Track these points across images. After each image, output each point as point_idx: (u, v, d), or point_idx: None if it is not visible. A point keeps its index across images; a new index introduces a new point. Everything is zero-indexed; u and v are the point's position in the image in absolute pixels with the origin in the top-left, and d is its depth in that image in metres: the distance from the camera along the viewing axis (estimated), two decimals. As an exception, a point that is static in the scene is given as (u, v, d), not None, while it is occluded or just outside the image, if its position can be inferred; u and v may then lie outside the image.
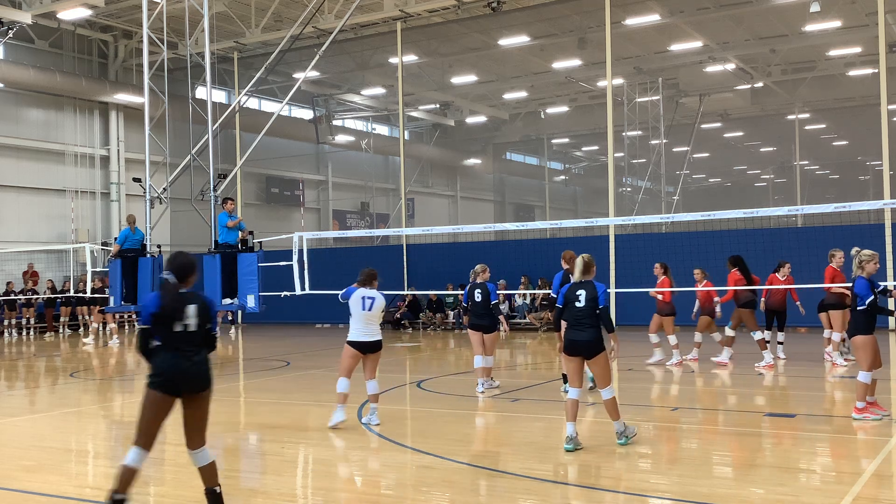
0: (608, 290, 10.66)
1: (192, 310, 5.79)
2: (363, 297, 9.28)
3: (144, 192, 16.78)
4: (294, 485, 7.47)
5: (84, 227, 29.99)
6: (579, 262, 8.38)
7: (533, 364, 17.03)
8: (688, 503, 6.43)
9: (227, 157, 27.27)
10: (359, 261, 25.73)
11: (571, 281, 8.55)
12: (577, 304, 8.21)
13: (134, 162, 30.94)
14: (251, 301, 15.61)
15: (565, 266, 11.55)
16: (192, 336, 5.79)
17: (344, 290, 9.48)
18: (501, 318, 12.17)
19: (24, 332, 25.92)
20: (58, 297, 25.81)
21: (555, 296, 11.68)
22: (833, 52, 31.05)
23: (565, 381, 12.12)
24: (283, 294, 17.21)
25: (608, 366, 8.19)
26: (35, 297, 25.73)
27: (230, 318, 25.78)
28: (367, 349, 9.31)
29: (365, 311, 9.24)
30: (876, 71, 23.52)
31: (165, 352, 5.76)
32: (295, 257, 16.36)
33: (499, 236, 28.76)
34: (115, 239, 17.76)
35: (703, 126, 39.22)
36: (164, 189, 16.99)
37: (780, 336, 15.36)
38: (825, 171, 48.04)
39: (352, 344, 9.33)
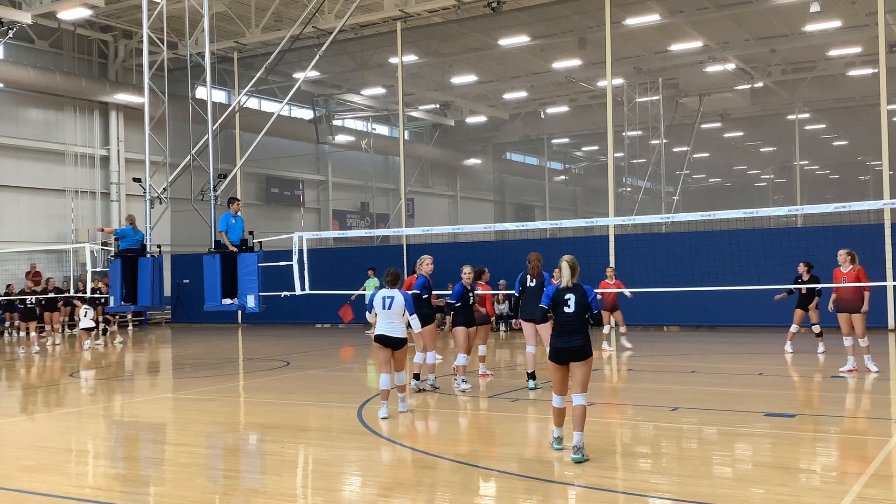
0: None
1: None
2: (383, 298, 10.06)
3: (144, 192, 16.75)
4: (294, 485, 7.47)
5: (84, 228, 29.99)
6: (565, 265, 8.02)
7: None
8: (688, 503, 6.43)
9: (227, 157, 27.30)
10: (359, 261, 25.77)
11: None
12: (566, 310, 7.83)
13: (134, 162, 30.98)
14: (251, 301, 15.59)
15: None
16: None
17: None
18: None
19: (25, 333, 25.83)
20: (39, 298, 25.55)
21: (517, 294, 11.83)
22: (833, 52, 31.06)
23: (532, 378, 12.15)
24: (283, 294, 17.19)
25: (590, 372, 7.93)
26: (35, 297, 25.63)
27: (112, 325, 23.48)
28: (390, 344, 10.06)
29: (385, 310, 10.01)
30: (876, 71, 23.52)
31: None
32: (295, 257, 16.32)
33: (499, 236, 28.74)
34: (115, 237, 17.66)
35: (703, 126, 39.21)
36: (164, 189, 16.95)
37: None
38: (825, 171, 47.98)
39: (376, 338, 10.22)
